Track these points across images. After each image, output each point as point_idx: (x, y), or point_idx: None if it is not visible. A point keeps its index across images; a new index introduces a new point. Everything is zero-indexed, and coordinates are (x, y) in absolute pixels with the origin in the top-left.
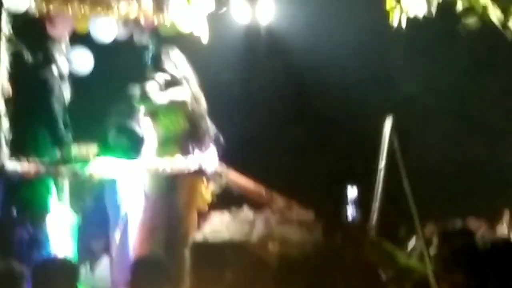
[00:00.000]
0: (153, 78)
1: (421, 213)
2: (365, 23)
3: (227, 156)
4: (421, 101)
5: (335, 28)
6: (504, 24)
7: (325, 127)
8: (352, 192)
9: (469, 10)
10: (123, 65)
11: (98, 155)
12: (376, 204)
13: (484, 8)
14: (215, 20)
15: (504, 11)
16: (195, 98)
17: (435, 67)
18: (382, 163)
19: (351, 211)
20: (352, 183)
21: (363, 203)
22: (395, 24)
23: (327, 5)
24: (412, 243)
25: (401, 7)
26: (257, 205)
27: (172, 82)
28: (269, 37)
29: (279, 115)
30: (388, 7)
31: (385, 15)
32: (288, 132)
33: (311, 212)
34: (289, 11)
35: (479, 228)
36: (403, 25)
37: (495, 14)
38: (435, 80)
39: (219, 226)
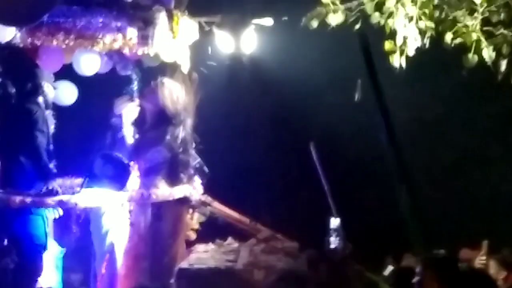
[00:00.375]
0: (139, 109)
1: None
2: (345, 52)
3: (212, 186)
4: (411, 129)
5: (317, 57)
6: (495, 62)
7: (309, 157)
8: (335, 222)
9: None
10: (108, 95)
11: (83, 185)
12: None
13: (478, 44)
14: (199, 50)
15: (497, 50)
16: (182, 129)
17: (425, 97)
18: None
19: (334, 242)
20: (335, 214)
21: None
22: (396, 64)
23: (309, 35)
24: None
25: (401, 48)
26: (242, 235)
27: (161, 112)
28: (253, 66)
29: (264, 145)
30: (387, 48)
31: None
32: (272, 162)
33: (295, 242)
34: (272, 41)
35: (471, 258)
36: (403, 64)
37: (487, 52)
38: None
39: (204, 255)
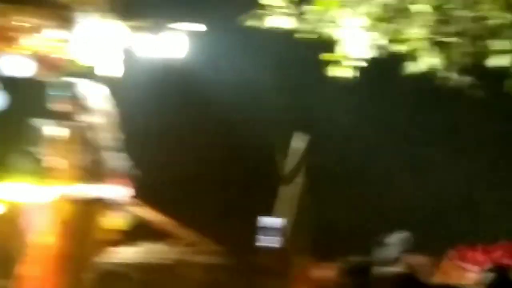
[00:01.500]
0: (58, 110)
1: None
2: (282, 57)
3: (140, 189)
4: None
5: (249, 62)
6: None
7: (240, 159)
8: (269, 222)
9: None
10: (30, 97)
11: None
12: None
13: (424, 53)
14: (128, 54)
15: (447, 59)
16: (101, 129)
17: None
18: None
19: (267, 241)
20: (266, 214)
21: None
22: (335, 75)
23: (240, 40)
24: None
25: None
26: (166, 237)
27: (78, 113)
28: (183, 71)
29: (192, 147)
30: (327, 58)
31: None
32: (201, 165)
33: (224, 244)
34: (203, 46)
35: (420, 264)
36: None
37: (432, 60)
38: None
39: (126, 254)
